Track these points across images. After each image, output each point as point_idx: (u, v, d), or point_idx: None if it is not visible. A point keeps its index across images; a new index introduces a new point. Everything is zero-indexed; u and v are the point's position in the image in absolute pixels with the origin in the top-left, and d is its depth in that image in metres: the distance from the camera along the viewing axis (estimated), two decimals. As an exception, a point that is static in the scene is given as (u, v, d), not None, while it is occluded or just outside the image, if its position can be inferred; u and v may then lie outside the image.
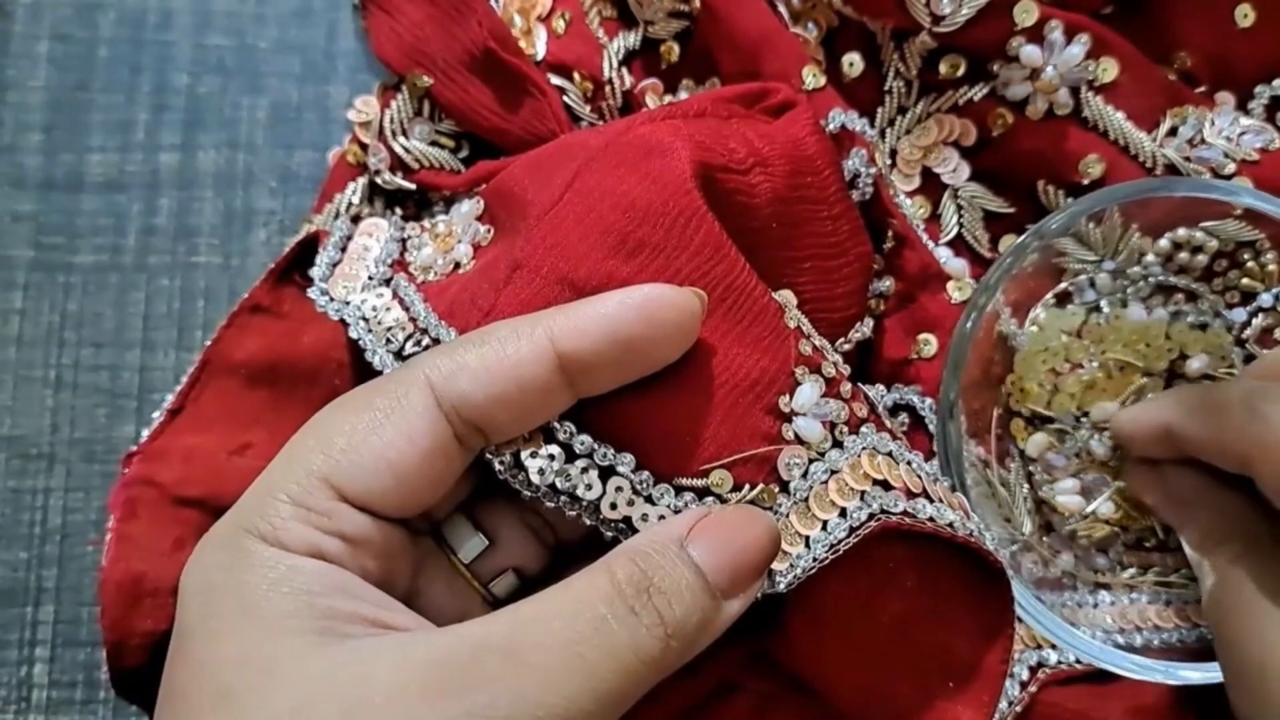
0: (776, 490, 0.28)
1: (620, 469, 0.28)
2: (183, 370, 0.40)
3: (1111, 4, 0.39)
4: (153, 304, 0.40)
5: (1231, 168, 0.37)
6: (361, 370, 0.32)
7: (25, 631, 0.38)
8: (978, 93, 0.38)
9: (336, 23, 0.42)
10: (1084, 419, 0.36)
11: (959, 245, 0.39)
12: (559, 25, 0.39)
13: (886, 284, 0.37)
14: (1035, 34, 0.37)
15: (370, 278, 0.33)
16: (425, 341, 0.30)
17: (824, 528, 0.28)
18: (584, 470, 0.27)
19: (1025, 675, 0.35)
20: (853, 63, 0.39)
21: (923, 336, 0.37)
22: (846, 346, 0.35)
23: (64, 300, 0.40)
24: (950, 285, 0.37)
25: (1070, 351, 0.36)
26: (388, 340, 0.30)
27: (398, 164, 0.39)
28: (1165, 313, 0.37)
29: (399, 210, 0.39)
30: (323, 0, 0.42)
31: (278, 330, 0.35)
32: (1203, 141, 0.37)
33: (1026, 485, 0.37)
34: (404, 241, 0.34)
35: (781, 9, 0.39)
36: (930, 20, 0.36)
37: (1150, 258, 0.37)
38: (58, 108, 0.41)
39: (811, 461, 0.28)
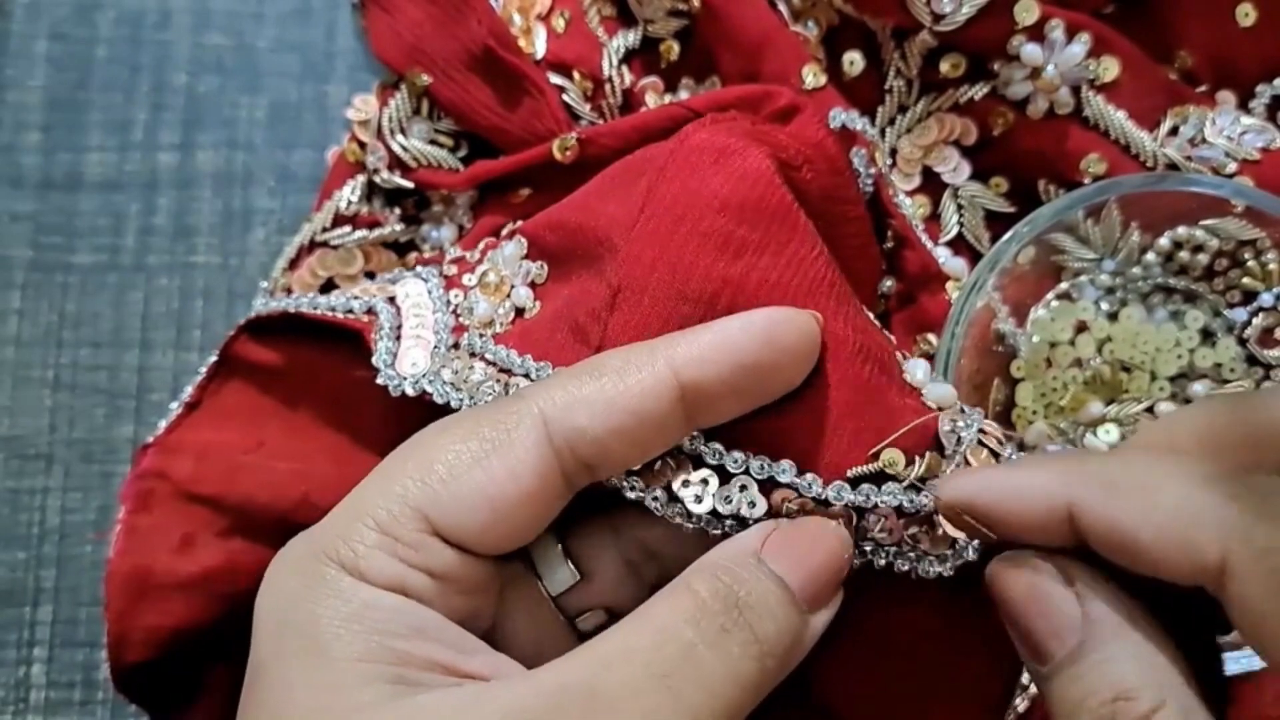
0: (940, 457, 0.27)
1: (782, 478, 0.26)
2: (182, 370, 0.40)
3: (1112, 3, 0.39)
4: (151, 304, 0.40)
5: (1233, 167, 0.37)
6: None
7: (23, 632, 0.38)
8: (978, 92, 0.38)
9: (335, 22, 0.42)
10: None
11: (959, 245, 0.39)
12: (559, 24, 0.39)
13: (888, 284, 0.37)
14: (1036, 33, 0.36)
15: (436, 347, 0.31)
16: (524, 385, 0.28)
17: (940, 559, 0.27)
18: (743, 488, 0.26)
19: (1025, 676, 0.35)
20: (853, 61, 0.39)
21: (923, 336, 0.37)
22: None
23: (62, 300, 0.40)
24: (950, 285, 0.37)
25: (1071, 351, 0.36)
26: (491, 394, 0.28)
27: (396, 163, 0.39)
28: (1166, 313, 0.37)
29: (422, 258, 0.37)
30: (321, -1, 0.42)
31: (295, 339, 0.34)
32: (1204, 141, 0.37)
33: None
34: (452, 309, 0.32)
35: (782, 7, 0.39)
36: (931, 19, 0.36)
37: (1150, 257, 0.36)
38: (56, 107, 0.41)
39: (957, 423, 0.28)
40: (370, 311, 0.32)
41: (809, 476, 0.26)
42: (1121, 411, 0.36)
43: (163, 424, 0.34)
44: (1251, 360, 0.36)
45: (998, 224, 0.39)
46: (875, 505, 0.26)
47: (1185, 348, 0.36)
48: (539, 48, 0.39)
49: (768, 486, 0.26)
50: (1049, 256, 0.36)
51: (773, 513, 0.26)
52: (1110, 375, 0.37)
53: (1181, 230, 0.36)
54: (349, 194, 0.39)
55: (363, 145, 0.40)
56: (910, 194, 0.39)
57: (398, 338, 0.31)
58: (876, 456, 0.27)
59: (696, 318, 0.27)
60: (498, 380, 0.29)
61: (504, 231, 0.34)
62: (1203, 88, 0.39)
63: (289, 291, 0.39)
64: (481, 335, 0.31)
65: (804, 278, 0.28)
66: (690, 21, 0.39)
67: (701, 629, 0.23)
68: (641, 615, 0.23)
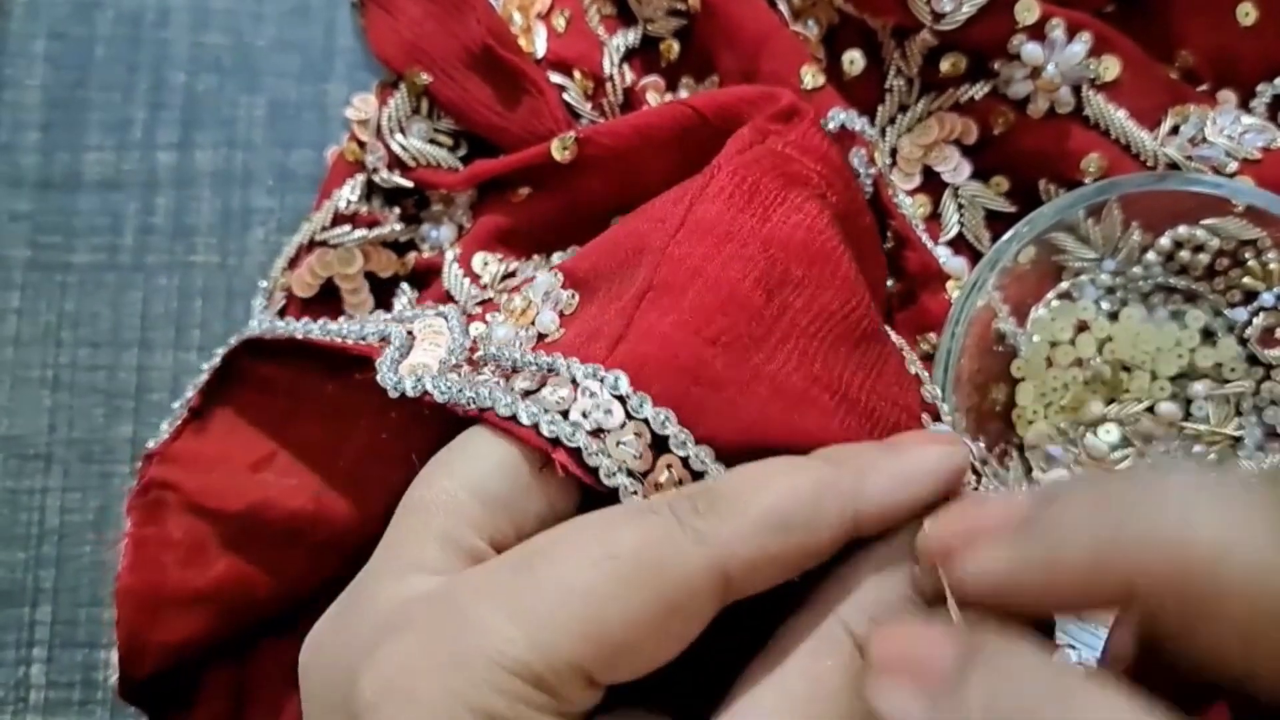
0: None
1: None
2: (181, 369, 0.40)
3: (1113, 2, 0.39)
4: (150, 303, 0.40)
5: (1233, 166, 0.37)
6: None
7: (22, 632, 0.38)
8: (979, 91, 0.38)
9: (334, 21, 0.42)
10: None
11: (959, 244, 0.39)
12: (559, 23, 0.39)
13: (888, 284, 0.37)
14: (1037, 32, 0.36)
15: (445, 360, 0.29)
16: (538, 379, 0.27)
17: None
18: None
19: None
20: (853, 60, 0.38)
21: (924, 336, 0.37)
22: None
23: (61, 300, 0.40)
24: (950, 285, 0.37)
25: (1071, 350, 0.36)
26: (500, 386, 0.27)
27: (395, 162, 0.39)
28: (1166, 313, 0.37)
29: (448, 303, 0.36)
30: (321, -2, 0.42)
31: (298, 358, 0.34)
32: (1204, 140, 0.37)
33: (1025, 483, 0.36)
34: (473, 340, 0.31)
35: (782, 6, 0.39)
36: (931, 18, 0.36)
37: (1151, 256, 0.36)
38: (55, 106, 0.41)
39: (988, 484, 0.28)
40: (384, 340, 0.30)
41: None
42: (1122, 411, 0.36)
43: (165, 428, 0.34)
44: (1252, 360, 0.36)
45: (998, 223, 0.39)
46: None
47: (1186, 347, 0.36)
48: (539, 47, 0.39)
49: None
50: (1049, 256, 0.36)
51: None
52: (1111, 375, 0.37)
53: (1182, 230, 0.36)
54: (348, 193, 0.39)
55: (362, 144, 0.40)
56: (910, 193, 0.39)
57: (406, 354, 0.29)
58: None
59: (727, 338, 0.26)
60: (505, 376, 0.27)
61: (538, 270, 0.33)
62: (1203, 87, 0.39)
63: (289, 291, 0.39)
64: (497, 348, 0.29)
65: (832, 329, 0.27)
66: (690, 21, 0.39)
67: (856, 681, 0.22)
68: (802, 672, 0.22)
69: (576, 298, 0.30)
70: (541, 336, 0.29)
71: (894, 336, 0.31)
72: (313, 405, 0.33)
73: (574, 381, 0.25)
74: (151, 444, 0.33)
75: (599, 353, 0.26)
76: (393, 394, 0.27)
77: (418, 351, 0.29)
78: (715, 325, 0.26)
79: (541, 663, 0.21)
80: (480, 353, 0.29)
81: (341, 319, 0.34)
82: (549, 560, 0.22)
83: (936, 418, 0.29)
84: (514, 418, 0.25)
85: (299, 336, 0.31)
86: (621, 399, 0.25)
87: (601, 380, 0.25)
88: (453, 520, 0.24)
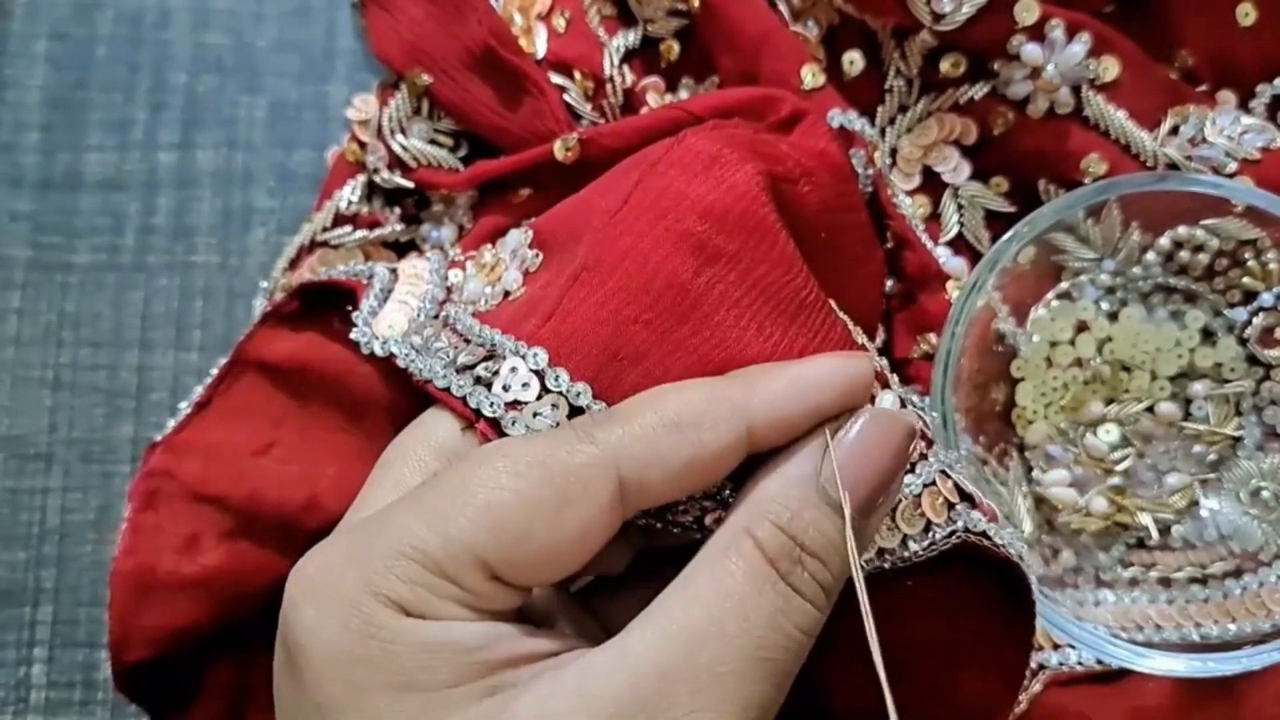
0: None
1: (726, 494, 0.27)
2: (182, 370, 0.40)
3: (1113, 2, 0.39)
4: (151, 303, 0.40)
5: (1233, 166, 0.37)
6: (389, 377, 0.31)
7: (23, 632, 0.38)
8: (978, 91, 0.38)
9: (335, 21, 0.42)
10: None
11: (959, 244, 0.39)
12: (559, 23, 0.39)
13: (888, 284, 0.37)
14: (1036, 32, 0.36)
15: (417, 315, 0.31)
16: (486, 356, 0.28)
17: (903, 541, 0.27)
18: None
19: (1027, 680, 0.35)
20: (853, 61, 0.39)
21: (924, 336, 0.37)
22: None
23: (62, 300, 0.40)
24: (950, 285, 0.37)
25: (1071, 350, 0.36)
26: (443, 360, 0.29)
27: (396, 162, 0.39)
28: (1166, 313, 0.37)
29: (434, 249, 0.37)
30: (321, -2, 0.42)
31: (305, 339, 0.34)
32: (1204, 140, 0.37)
33: (1025, 483, 0.37)
34: (448, 286, 0.33)
35: (782, 7, 0.39)
36: (931, 18, 0.36)
37: (1151, 256, 0.36)
38: (56, 107, 0.41)
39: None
40: (372, 278, 0.32)
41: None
42: (1122, 411, 0.36)
43: (171, 423, 0.33)
44: (1252, 360, 0.36)
45: (998, 224, 0.39)
46: None
47: (1185, 347, 0.36)
48: (539, 47, 0.39)
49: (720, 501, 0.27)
50: (1049, 256, 0.36)
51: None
52: (1110, 375, 0.37)
53: (1182, 230, 0.36)
54: (349, 194, 0.39)
55: (363, 145, 0.40)
56: (910, 194, 0.39)
57: (385, 299, 0.32)
58: None
59: (649, 315, 0.27)
60: (454, 348, 0.29)
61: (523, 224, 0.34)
62: (1203, 87, 0.39)
63: (289, 292, 0.39)
64: (460, 308, 0.31)
65: (766, 300, 0.28)
66: (690, 21, 0.39)
67: (779, 596, 0.23)
68: (712, 579, 0.24)
69: (540, 257, 0.32)
70: (506, 294, 0.31)
71: (841, 316, 0.31)
72: (317, 396, 0.33)
73: (502, 356, 0.28)
74: (158, 437, 0.33)
75: (529, 329, 0.28)
76: (364, 350, 0.30)
77: (394, 302, 0.31)
78: (638, 304, 0.27)
79: (440, 550, 0.23)
80: (447, 310, 0.31)
81: (340, 266, 0.35)
82: (457, 469, 0.25)
83: (886, 386, 0.29)
84: (448, 390, 0.28)
85: (303, 282, 0.33)
86: (539, 374, 0.27)
87: (522, 356, 0.28)
88: (409, 467, 0.27)
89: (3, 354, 0.40)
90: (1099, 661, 0.35)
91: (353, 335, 0.30)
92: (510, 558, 0.24)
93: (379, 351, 0.30)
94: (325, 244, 0.39)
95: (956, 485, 0.28)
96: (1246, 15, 0.38)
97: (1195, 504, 0.36)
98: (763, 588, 0.23)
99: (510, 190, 0.38)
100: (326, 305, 0.33)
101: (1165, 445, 0.36)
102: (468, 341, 0.29)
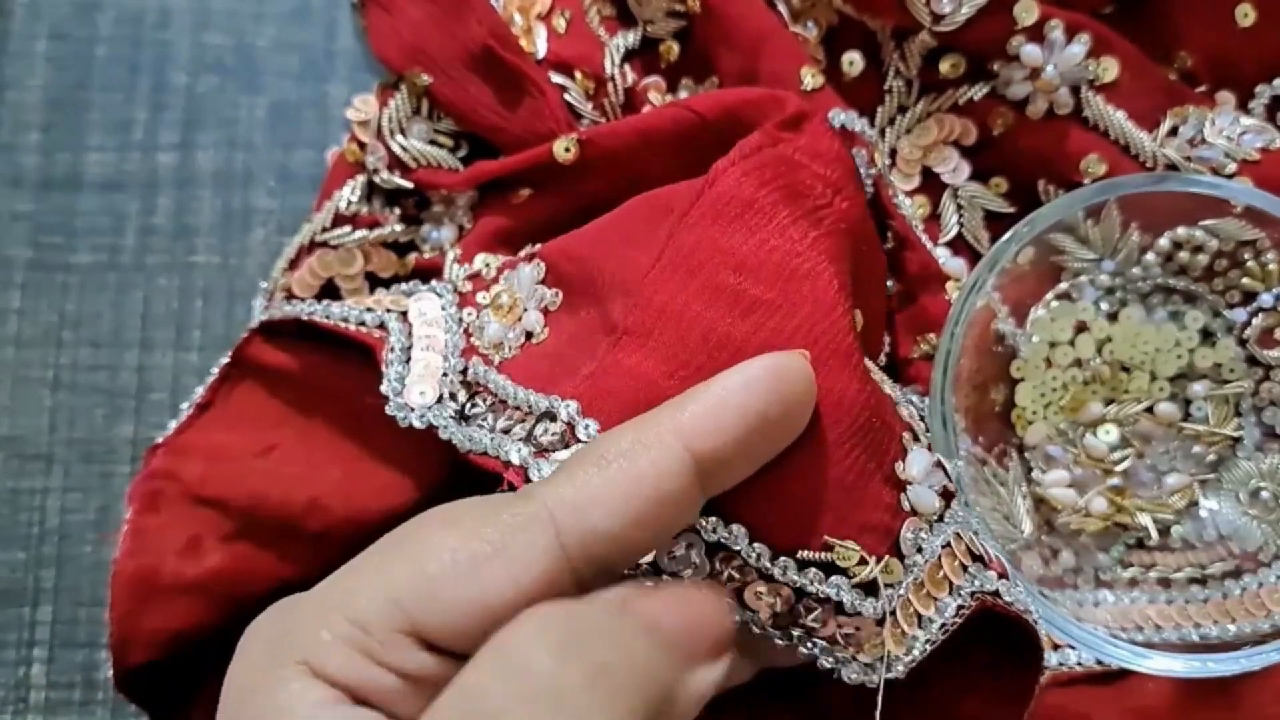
0: (899, 565, 0.26)
1: (733, 545, 0.26)
2: (182, 370, 0.40)
3: (1112, 3, 0.39)
4: (151, 304, 0.40)
5: (1232, 167, 0.37)
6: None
7: (23, 632, 0.38)
8: (978, 92, 0.38)
9: (335, 22, 0.42)
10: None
11: (958, 245, 0.39)
12: (559, 24, 0.39)
13: (889, 285, 0.37)
14: (1036, 33, 0.36)
15: (445, 374, 0.31)
16: (523, 418, 0.28)
17: (937, 608, 0.26)
18: (689, 546, 0.25)
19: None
20: (853, 61, 0.39)
21: (924, 336, 0.37)
22: (882, 360, 0.35)
23: (62, 300, 0.40)
24: (950, 285, 0.37)
25: (1071, 351, 0.36)
26: (484, 427, 0.29)
27: (396, 163, 0.39)
28: (1166, 313, 0.37)
29: (446, 288, 0.36)
30: (321, -1, 0.42)
31: (303, 347, 0.34)
32: (1203, 141, 0.37)
33: (1025, 484, 0.37)
34: (464, 327, 0.32)
35: (781, 8, 0.39)
36: (930, 19, 0.36)
37: (1150, 257, 0.37)
38: (56, 107, 0.41)
39: (921, 534, 0.27)
40: (382, 326, 0.32)
41: (758, 547, 0.26)
42: (1121, 412, 0.36)
43: (173, 424, 0.34)
44: (1251, 360, 0.36)
45: (997, 224, 0.39)
46: (818, 594, 0.26)
47: (1185, 348, 0.36)
48: (540, 48, 0.39)
49: (714, 549, 0.26)
50: (1049, 257, 0.37)
51: (713, 575, 0.25)
52: (1110, 375, 0.37)
53: (1181, 231, 0.36)
54: (349, 194, 0.39)
55: (362, 145, 0.40)
56: (910, 194, 0.39)
57: (407, 360, 0.31)
58: (830, 547, 0.26)
59: (685, 372, 0.27)
60: (492, 412, 0.29)
61: (523, 253, 0.34)
62: (1202, 88, 0.39)
63: (289, 292, 0.39)
64: (485, 365, 0.31)
65: (812, 342, 0.27)
66: (689, 22, 0.39)
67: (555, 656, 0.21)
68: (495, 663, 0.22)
69: (560, 296, 0.31)
70: (529, 335, 0.31)
71: (875, 372, 0.30)
72: (318, 398, 0.33)
73: (538, 415, 0.28)
74: (159, 438, 0.33)
75: (566, 390, 0.28)
76: (401, 425, 0.30)
77: (417, 365, 0.31)
78: (675, 360, 0.27)
79: (364, 600, 0.22)
80: (472, 366, 0.31)
81: (346, 301, 0.34)
82: (400, 527, 0.24)
83: (915, 437, 0.28)
84: (484, 453, 0.28)
85: (303, 318, 0.32)
86: (569, 423, 0.27)
87: (556, 408, 0.28)
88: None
89: (3, 354, 0.40)
90: (1098, 662, 0.35)
91: (389, 410, 0.30)
92: (429, 610, 0.22)
93: (417, 424, 0.29)
94: (325, 244, 0.39)
95: (968, 547, 0.28)
96: (1246, 16, 0.38)
97: (1195, 504, 0.36)
98: (545, 649, 0.21)
99: (510, 191, 0.38)
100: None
101: (1165, 446, 0.36)
102: (504, 404, 0.29)
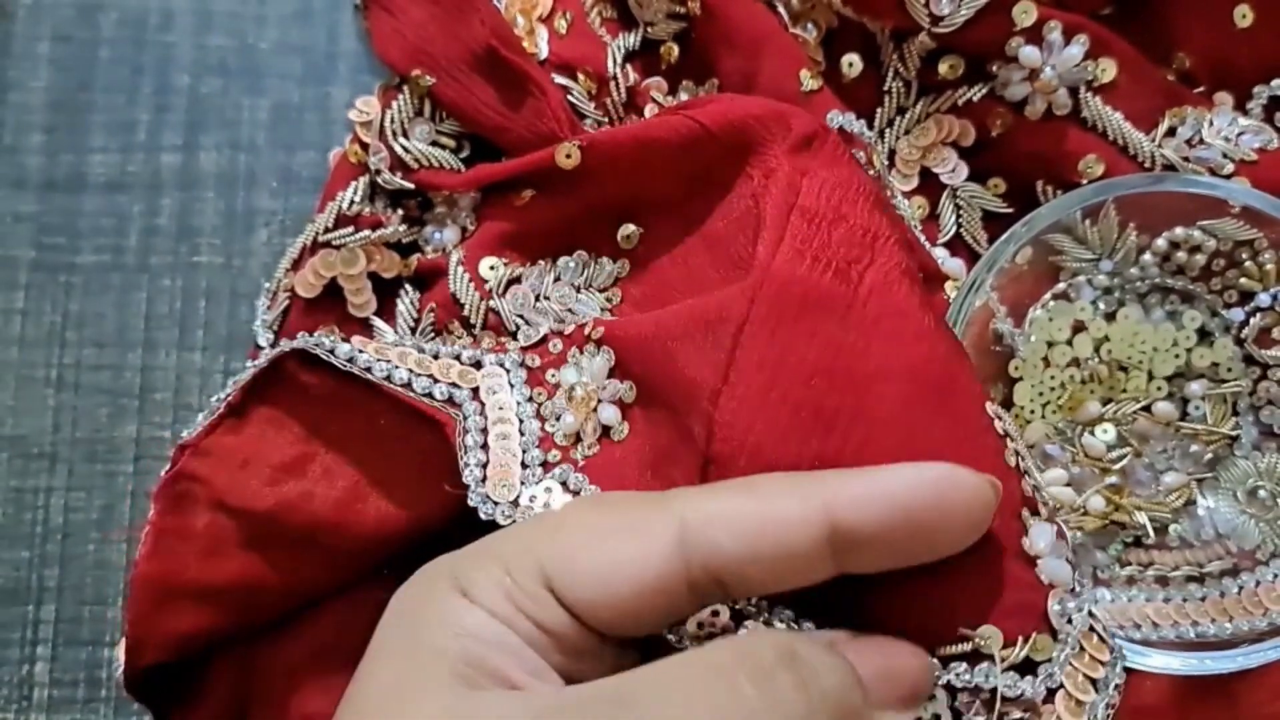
0: (1051, 640, 0.26)
1: None
2: (185, 370, 0.40)
3: (1110, 5, 0.39)
4: (154, 304, 0.40)
5: (1230, 168, 0.37)
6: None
7: (26, 631, 0.38)
8: (977, 93, 0.38)
9: (338, 23, 0.42)
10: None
11: (957, 245, 0.39)
12: (561, 25, 0.39)
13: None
14: (1034, 34, 0.37)
15: (525, 466, 0.31)
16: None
17: (1108, 667, 0.27)
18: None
19: None
20: (852, 63, 0.39)
21: (922, 336, 0.37)
22: None
23: (66, 300, 0.40)
24: (949, 285, 0.37)
25: (1069, 350, 0.37)
26: None
27: (398, 164, 0.39)
28: (1163, 313, 0.37)
29: (500, 342, 0.36)
30: (324, 1, 0.42)
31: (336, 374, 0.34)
32: (1201, 142, 0.37)
33: (1025, 484, 0.37)
34: (537, 409, 0.32)
35: (780, 9, 0.39)
36: (929, 21, 0.36)
37: (1148, 257, 0.37)
38: (59, 108, 0.41)
39: (1067, 603, 0.27)
40: (451, 401, 0.31)
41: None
42: (1119, 411, 0.37)
43: (200, 421, 0.33)
44: (1248, 360, 0.36)
45: (996, 224, 0.39)
46: (972, 686, 0.26)
47: (1182, 347, 0.37)
48: (542, 49, 0.39)
49: None
50: (1047, 257, 0.37)
51: None
52: (1108, 375, 0.37)
53: (1179, 231, 0.36)
54: (351, 195, 0.39)
55: (365, 146, 0.40)
56: (908, 195, 0.39)
57: (483, 444, 0.31)
58: (967, 638, 0.26)
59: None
60: None
61: (586, 330, 0.33)
62: (1200, 89, 0.39)
63: (291, 292, 0.39)
64: (569, 463, 0.31)
65: (899, 443, 0.27)
66: (689, 24, 0.39)
67: (748, 671, 0.22)
68: (693, 651, 0.24)
69: (634, 391, 0.32)
70: (606, 430, 0.32)
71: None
72: (350, 416, 0.32)
73: None
74: (186, 434, 0.33)
75: None
76: (483, 518, 0.30)
77: (496, 452, 0.31)
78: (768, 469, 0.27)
79: (511, 553, 0.25)
80: (559, 471, 0.31)
81: (394, 344, 0.33)
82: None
83: (1036, 512, 0.28)
84: None
85: (355, 370, 0.31)
86: None
87: None
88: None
89: (7, 354, 0.40)
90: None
91: (471, 502, 0.30)
92: (563, 569, 0.24)
93: (501, 521, 0.30)
94: (328, 245, 0.39)
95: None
96: (1244, 17, 0.38)
97: (1192, 503, 0.36)
98: (733, 660, 0.23)
99: (513, 192, 0.38)
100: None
101: (1162, 445, 0.37)
102: None
